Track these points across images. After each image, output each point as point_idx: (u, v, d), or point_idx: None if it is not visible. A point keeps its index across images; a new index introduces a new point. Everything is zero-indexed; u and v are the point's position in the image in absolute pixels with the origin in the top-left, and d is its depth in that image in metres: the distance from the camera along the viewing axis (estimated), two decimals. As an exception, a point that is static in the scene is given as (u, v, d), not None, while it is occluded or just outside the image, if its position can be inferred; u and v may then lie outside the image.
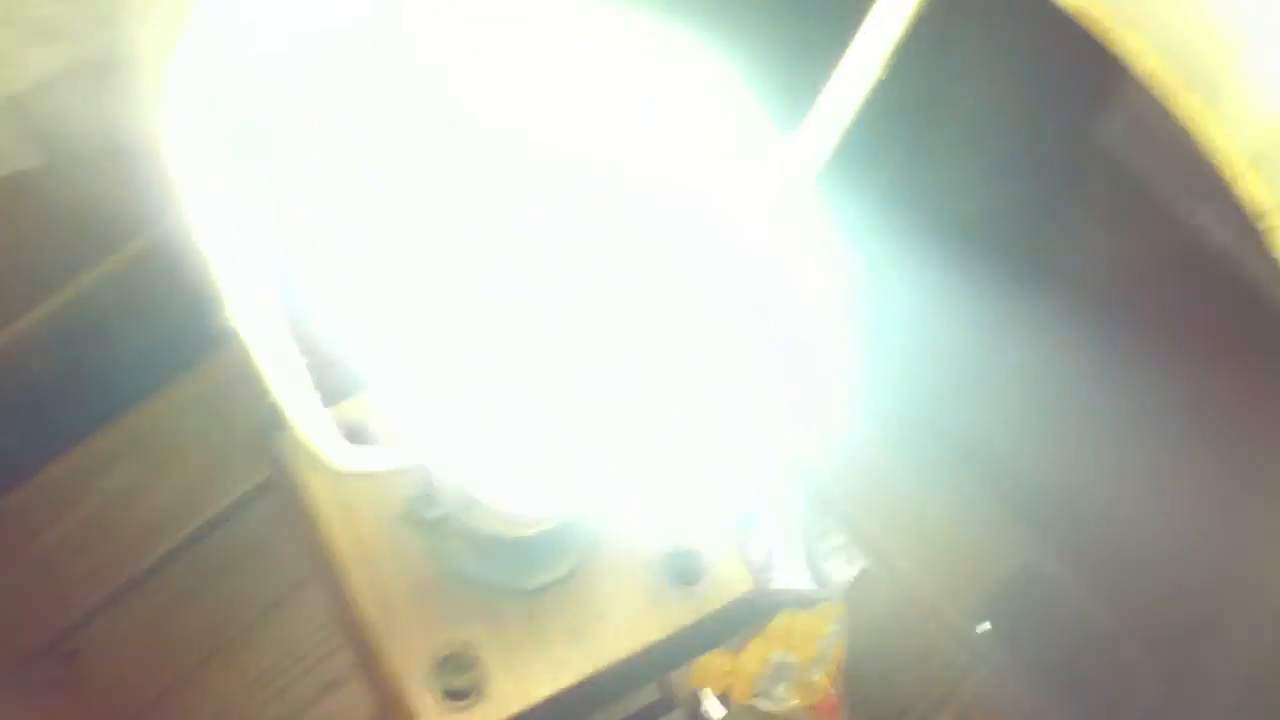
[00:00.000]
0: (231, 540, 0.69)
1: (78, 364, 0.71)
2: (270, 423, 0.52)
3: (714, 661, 0.73)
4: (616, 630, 0.48)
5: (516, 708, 0.46)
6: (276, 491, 0.61)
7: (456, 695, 0.46)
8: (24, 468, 0.70)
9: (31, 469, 0.70)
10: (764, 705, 0.74)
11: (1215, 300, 0.62)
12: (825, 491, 0.78)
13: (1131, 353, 0.68)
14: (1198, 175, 0.54)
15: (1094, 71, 0.58)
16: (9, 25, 0.58)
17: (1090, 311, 0.70)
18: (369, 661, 0.47)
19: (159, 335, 0.71)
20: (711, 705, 0.72)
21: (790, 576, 0.76)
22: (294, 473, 0.49)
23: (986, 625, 0.76)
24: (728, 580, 0.51)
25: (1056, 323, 0.71)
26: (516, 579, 0.47)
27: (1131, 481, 0.68)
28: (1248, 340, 0.60)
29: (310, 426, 0.29)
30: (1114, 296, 0.69)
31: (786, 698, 0.75)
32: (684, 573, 0.50)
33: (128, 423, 0.72)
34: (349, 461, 0.33)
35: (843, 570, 0.77)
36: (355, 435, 0.47)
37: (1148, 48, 0.55)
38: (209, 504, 0.69)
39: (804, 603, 0.76)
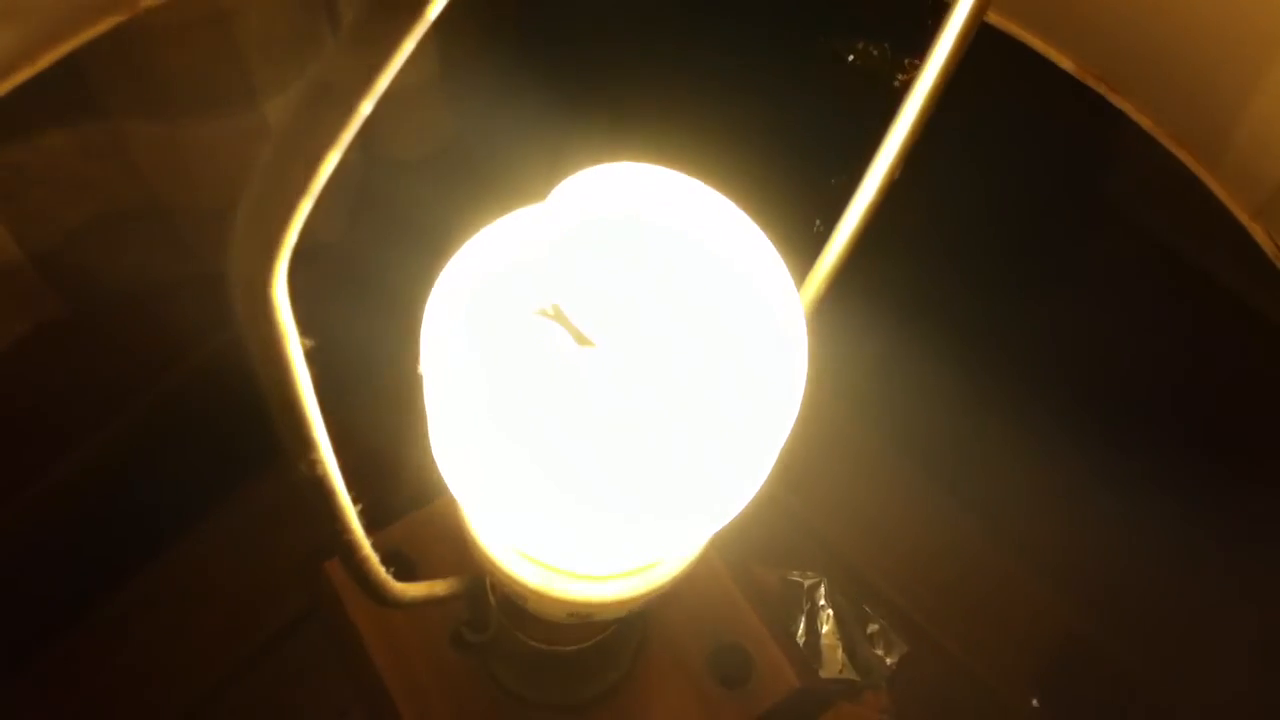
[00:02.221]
0: (275, 671, 0.69)
1: (113, 506, 0.71)
2: (316, 553, 0.53)
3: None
4: (668, 739, 0.48)
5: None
6: (321, 620, 0.61)
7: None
8: (67, 614, 0.70)
9: (75, 615, 0.70)
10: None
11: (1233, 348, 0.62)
12: (863, 577, 0.78)
13: (1147, 417, 0.68)
14: (1207, 220, 0.55)
15: (1096, 127, 0.59)
16: (44, 184, 0.60)
17: (1108, 378, 0.70)
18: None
19: (190, 472, 0.72)
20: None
21: (834, 666, 0.75)
22: (341, 603, 0.49)
23: (1035, 702, 0.75)
24: (775, 679, 0.51)
25: (1075, 390, 0.72)
26: (565, 695, 0.47)
27: (1157, 543, 0.67)
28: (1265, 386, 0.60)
29: (362, 569, 0.29)
30: (1134, 363, 0.69)
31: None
32: (731, 675, 0.50)
33: (166, 561, 0.72)
34: (399, 597, 0.33)
35: (886, 656, 0.76)
36: (398, 561, 0.47)
37: (1142, 107, 0.56)
38: (251, 636, 0.69)
39: (850, 692, 0.75)
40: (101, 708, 0.68)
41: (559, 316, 0.37)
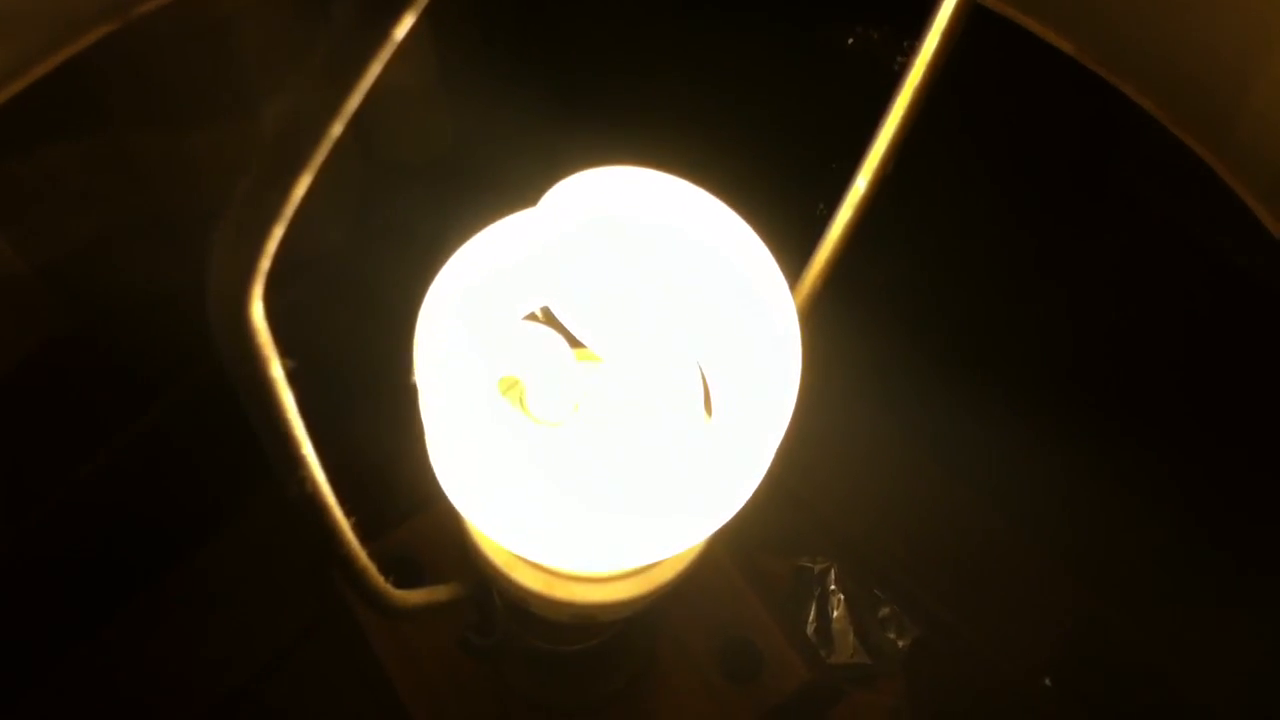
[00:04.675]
0: (289, 677, 0.69)
1: (125, 517, 0.71)
2: (324, 559, 0.53)
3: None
4: (679, 735, 0.48)
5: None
6: (332, 625, 0.61)
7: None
8: (85, 623, 0.71)
9: (91, 624, 0.71)
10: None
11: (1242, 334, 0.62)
12: (872, 562, 0.78)
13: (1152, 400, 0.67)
14: (1212, 203, 0.55)
15: (1097, 111, 0.59)
16: (47, 198, 0.60)
17: (1117, 363, 0.70)
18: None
19: (200, 481, 0.72)
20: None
21: (846, 651, 0.75)
22: (349, 608, 0.49)
23: (1048, 682, 0.75)
24: (784, 672, 0.51)
25: (1084, 375, 0.71)
26: (574, 695, 0.47)
27: (1169, 526, 0.67)
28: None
29: (360, 580, 0.29)
30: (1137, 348, 0.69)
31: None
32: (740, 670, 0.50)
33: (179, 571, 0.72)
34: (401, 605, 0.33)
35: (898, 639, 0.76)
36: (403, 566, 0.48)
37: (1144, 90, 0.56)
38: (264, 643, 0.69)
39: (862, 677, 0.75)
40: (119, 716, 0.69)
41: (550, 320, 0.37)
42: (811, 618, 0.76)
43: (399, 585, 0.34)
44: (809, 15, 0.69)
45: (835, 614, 0.76)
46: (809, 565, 0.78)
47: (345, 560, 0.28)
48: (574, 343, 0.37)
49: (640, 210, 0.37)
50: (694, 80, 0.72)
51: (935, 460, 0.81)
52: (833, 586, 0.77)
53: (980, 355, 0.72)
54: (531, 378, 0.38)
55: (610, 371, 0.38)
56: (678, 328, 0.37)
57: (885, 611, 0.77)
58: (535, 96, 0.69)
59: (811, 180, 0.70)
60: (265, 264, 0.18)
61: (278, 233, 0.18)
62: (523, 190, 0.38)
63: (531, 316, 0.37)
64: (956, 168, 0.67)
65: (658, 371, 0.37)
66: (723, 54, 0.72)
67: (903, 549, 0.79)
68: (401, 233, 0.67)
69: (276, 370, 0.19)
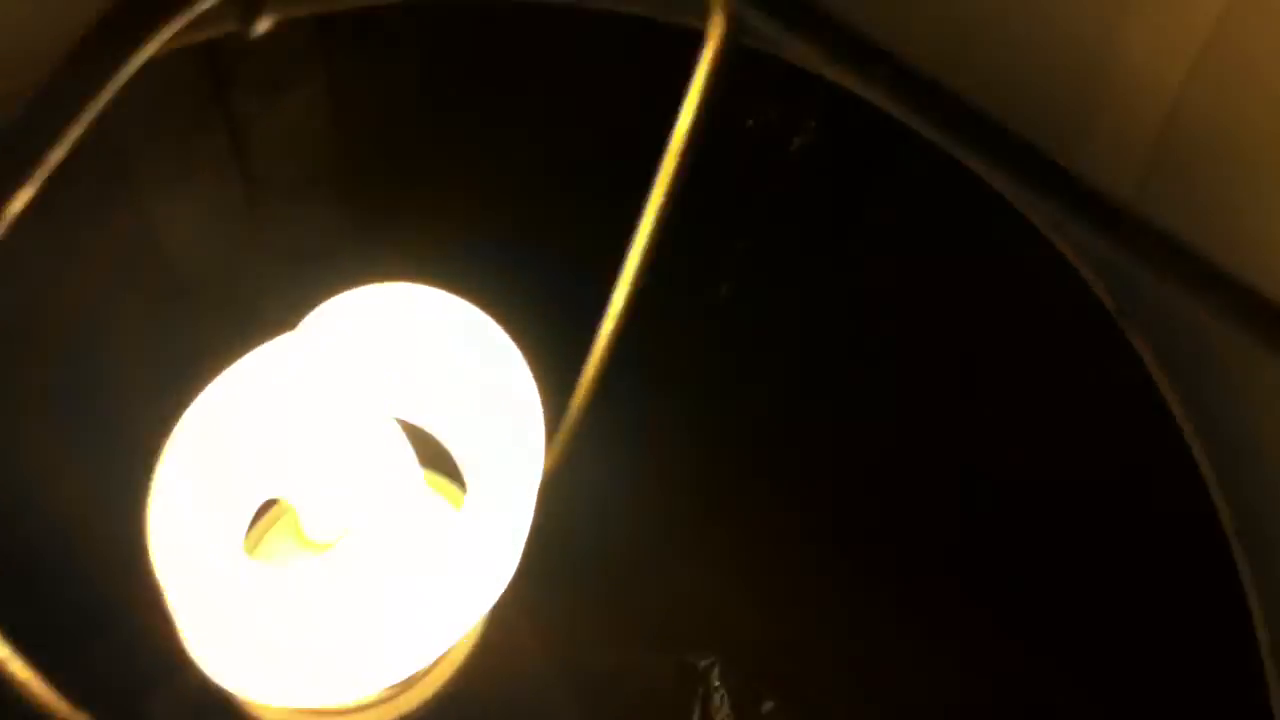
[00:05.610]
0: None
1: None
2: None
3: None
4: None
5: None
6: None
7: None
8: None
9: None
10: None
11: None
12: (758, 651, 0.76)
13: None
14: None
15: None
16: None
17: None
18: None
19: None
20: None
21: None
22: None
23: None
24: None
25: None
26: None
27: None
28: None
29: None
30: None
31: None
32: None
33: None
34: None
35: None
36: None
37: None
38: None
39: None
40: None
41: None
42: (695, 718, 0.75)
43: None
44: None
45: (719, 716, 0.76)
46: (692, 662, 0.76)
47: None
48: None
49: (395, 330, 0.37)
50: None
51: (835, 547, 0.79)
52: (716, 683, 0.76)
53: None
54: (295, 501, 0.38)
55: (377, 489, 0.38)
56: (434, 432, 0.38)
57: (769, 706, 0.76)
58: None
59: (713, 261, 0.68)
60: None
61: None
62: (279, 313, 0.38)
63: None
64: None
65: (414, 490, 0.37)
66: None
67: (787, 636, 0.78)
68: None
69: None
